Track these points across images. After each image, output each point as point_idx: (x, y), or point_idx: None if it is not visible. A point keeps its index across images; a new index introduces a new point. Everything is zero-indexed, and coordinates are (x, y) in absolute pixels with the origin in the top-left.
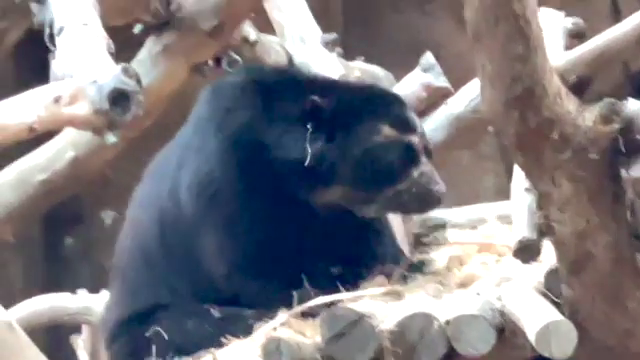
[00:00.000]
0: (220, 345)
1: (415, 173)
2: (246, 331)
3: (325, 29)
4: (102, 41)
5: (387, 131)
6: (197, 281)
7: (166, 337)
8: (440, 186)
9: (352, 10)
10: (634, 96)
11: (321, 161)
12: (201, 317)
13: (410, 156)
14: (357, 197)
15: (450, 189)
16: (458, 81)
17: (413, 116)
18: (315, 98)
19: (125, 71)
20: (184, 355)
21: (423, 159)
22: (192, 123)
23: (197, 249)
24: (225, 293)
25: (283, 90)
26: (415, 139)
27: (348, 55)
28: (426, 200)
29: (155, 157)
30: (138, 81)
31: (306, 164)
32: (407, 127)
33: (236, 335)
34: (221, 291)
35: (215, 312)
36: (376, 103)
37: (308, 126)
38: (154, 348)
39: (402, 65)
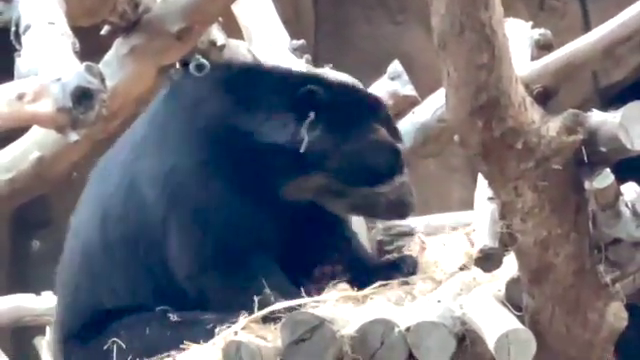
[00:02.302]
0: (180, 350)
1: (397, 181)
2: (206, 335)
3: (297, 38)
4: (68, 40)
5: (383, 133)
6: (145, 282)
7: (124, 347)
8: (414, 199)
9: (324, 19)
10: (604, 110)
11: (313, 149)
12: (159, 322)
13: (398, 163)
14: (334, 189)
15: (418, 198)
16: (428, 91)
17: (397, 125)
18: (312, 87)
19: (89, 70)
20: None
21: (405, 169)
22: (148, 120)
23: (156, 248)
24: (189, 293)
25: (255, 83)
26: (402, 147)
27: (319, 64)
28: (399, 210)
29: (99, 161)
30: (102, 80)
31: (302, 150)
32: (396, 134)
33: (196, 340)
34: (178, 293)
35: (174, 317)
36: (369, 103)
37: (310, 114)
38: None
39: (373, 75)
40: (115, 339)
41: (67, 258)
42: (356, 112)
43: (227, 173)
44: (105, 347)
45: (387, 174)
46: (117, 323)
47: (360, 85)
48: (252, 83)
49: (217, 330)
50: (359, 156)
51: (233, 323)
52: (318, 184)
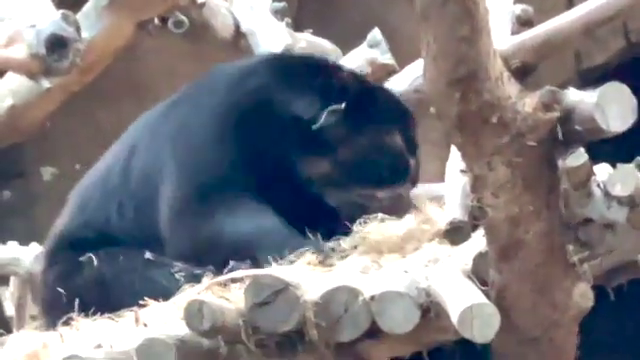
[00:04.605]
0: (144, 287)
1: (396, 190)
2: (168, 280)
3: (279, 0)
4: None
5: (398, 141)
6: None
7: (95, 263)
8: (400, 215)
9: None
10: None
11: (327, 132)
12: (134, 256)
13: (402, 172)
14: (336, 179)
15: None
16: (410, 61)
17: (417, 140)
18: (345, 76)
19: (65, 18)
20: (107, 286)
21: (408, 184)
22: (195, 84)
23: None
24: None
25: (302, 67)
26: (413, 163)
27: (301, 28)
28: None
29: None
30: (78, 29)
31: (314, 127)
32: (412, 149)
33: (158, 280)
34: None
35: (148, 255)
36: (396, 112)
37: (338, 104)
38: (84, 273)
39: (355, 42)
40: (90, 255)
41: (90, 176)
42: (379, 113)
43: (247, 138)
44: (81, 259)
45: (387, 179)
46: (100, 245)
47: (336, 52)
48: (294, 68)
49: (178, 277)
50: (366, 152)
51: (197, 280)
52: (324, 170)
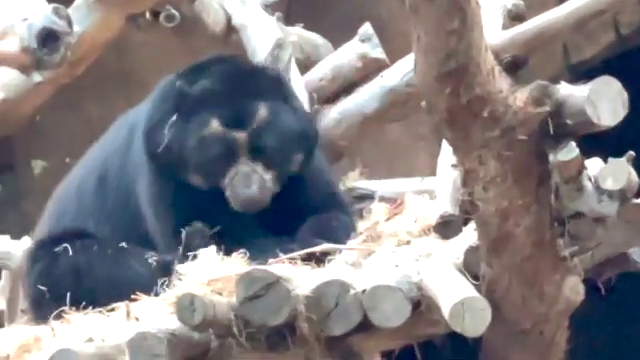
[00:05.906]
0: (118, 274)
1: (232, 171)
2: (144, 266)
3: None
4: None
5: (214, 125)
6: (129, 226)
7: (70, 253)
8: (250, 191)
9: None
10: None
11: (172, 146)
12: (108, 244)
13: (228, 153)
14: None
15: (383, 164)
16: (400, 57)
17: (253, 110)
18: (179, 83)
19: (56, 11)
20: (85, 274)
21: (242, 159)
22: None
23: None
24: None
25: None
26: (240, 136)
27: (292, 22)
28: (237, 203)
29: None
30: (69, 23)
31: (159, 150)
32: (235, 123)
33: (131, 266)
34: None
35: (123, 245)
36: (213, 99)
37: (174, 116)
38: (60, 263)
39: (346, 37)
40: (66, 245)
41: (66, 182)
42: (197, 105)
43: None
44: (56, 249)
45: (221, 166)
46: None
47: (326, 46)
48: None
49: (154, 265)
50: (192, 153)
51: (168, 266)
52: (191, 179)
